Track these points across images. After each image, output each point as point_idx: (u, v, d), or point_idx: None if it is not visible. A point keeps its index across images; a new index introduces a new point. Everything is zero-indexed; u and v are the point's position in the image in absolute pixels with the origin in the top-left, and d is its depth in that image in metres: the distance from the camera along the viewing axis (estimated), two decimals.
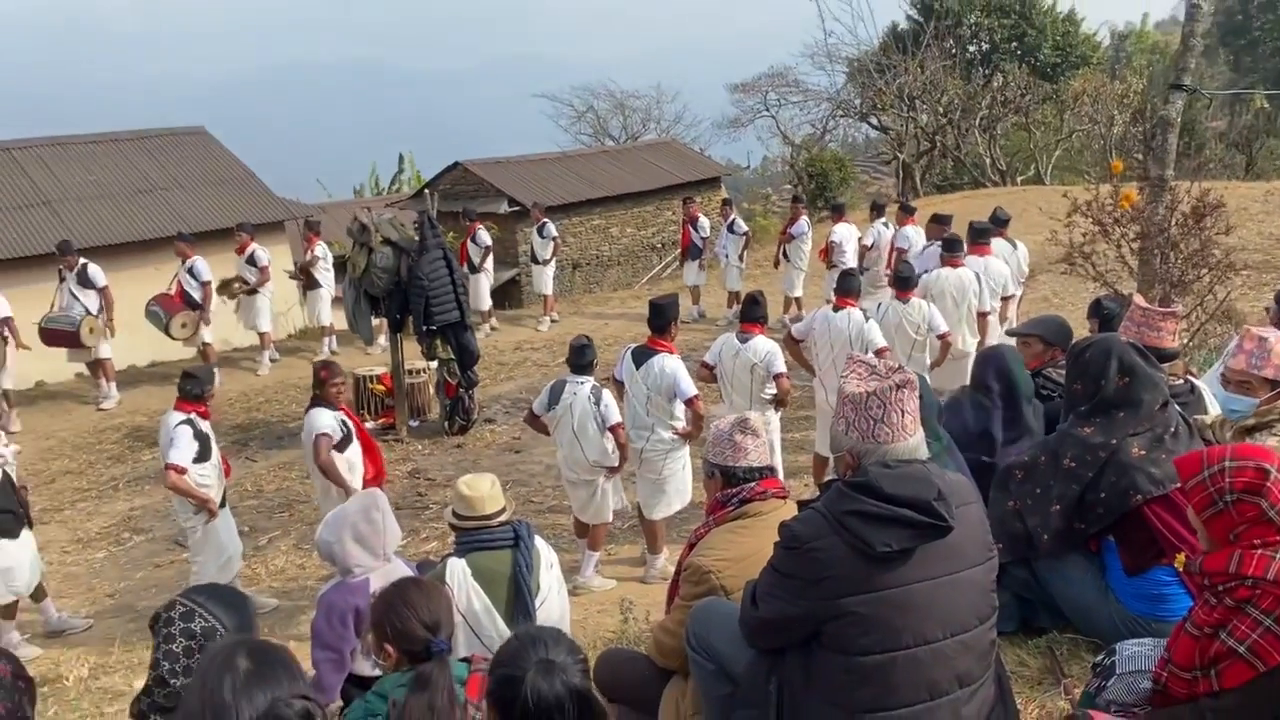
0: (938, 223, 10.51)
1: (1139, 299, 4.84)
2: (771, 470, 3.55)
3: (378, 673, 4.03)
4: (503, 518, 4.25)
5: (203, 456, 6.58)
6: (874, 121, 32.31)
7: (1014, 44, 32.20)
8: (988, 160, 29.51)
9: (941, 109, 29.55)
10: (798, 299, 14.03)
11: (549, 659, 2.25)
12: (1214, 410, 4.34)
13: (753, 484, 3.42)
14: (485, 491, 4.25)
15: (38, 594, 6.92)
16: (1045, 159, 29.68)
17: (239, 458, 10.28)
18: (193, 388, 6.66)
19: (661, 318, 6.87)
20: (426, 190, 16.99)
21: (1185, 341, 7.24)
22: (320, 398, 6.86)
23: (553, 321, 15.53)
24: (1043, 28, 32.15)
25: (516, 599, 4.09)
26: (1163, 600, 3.48)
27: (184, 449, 6.43)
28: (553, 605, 4.25)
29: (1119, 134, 25.55)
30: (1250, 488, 2.51)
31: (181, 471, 6.41)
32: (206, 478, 6.62)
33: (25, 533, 6.68)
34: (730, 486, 3.44)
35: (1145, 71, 31.98)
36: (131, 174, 16.59)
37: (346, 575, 4.12)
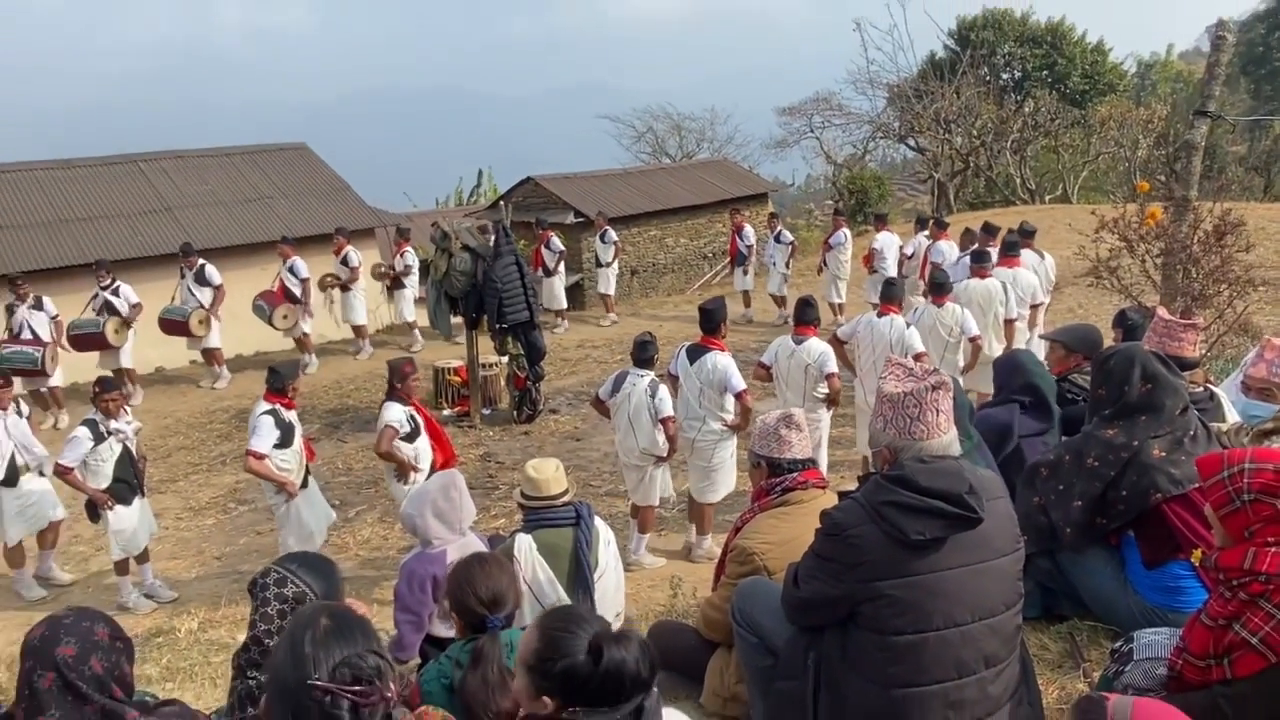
0: (987, 232, 10.36)
1: (1162, 311, 4.72)
2: (813, 462, 3.53)
3: (452, 634, 4.09)
4: (565, 498, 4.29)
5: (284, 443, 6.59)
6: (911, 143, 31.87)
7: (1045, 72, 31.56)
8: (1018, 180, 28.95)
9: (975, 132, 29.06)
10: (840, 304, 13.90)
11: (610, 632, 2.10)
12: (1232, 416, 4.23)
13: (795, 474, 3.41)
14: (550, 475, 4.29)
15: (142, 556, 7.08)
16: (1072, 179, 29.03)
17: (331, 439, 10.46)
18: (276, 381, 6.69)
19: (711, 320, 6.82)
20: (501, 202, 17.12)
21: (1204, 352, 7.03)
22: (395, 392, 6.77)
23: (613, 322, 15.59)
24: (1072, 57, 31.50)
25: (577, 572, 4.12)
26: (1179, 592, 3.39)
27: (265, 437, 6.46)
28: (609, 579, 4.27)
29: (1143, 157, 24.93)
30: (1267, 489, 2.45)
31: (260, 457, 6.43)
32: (287, 462, 6.65)
33: (138, 500, 6.85)
34: (775, 476, 3.44)
35: (1169, 99, 31.14)
36: (242, 184, 16.95)
37: (426, 546, 4.18)
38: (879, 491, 2.57)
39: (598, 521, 4.30)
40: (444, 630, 4.11)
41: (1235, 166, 26.86)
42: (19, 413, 7.06)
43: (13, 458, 6.85)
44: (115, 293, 11.28)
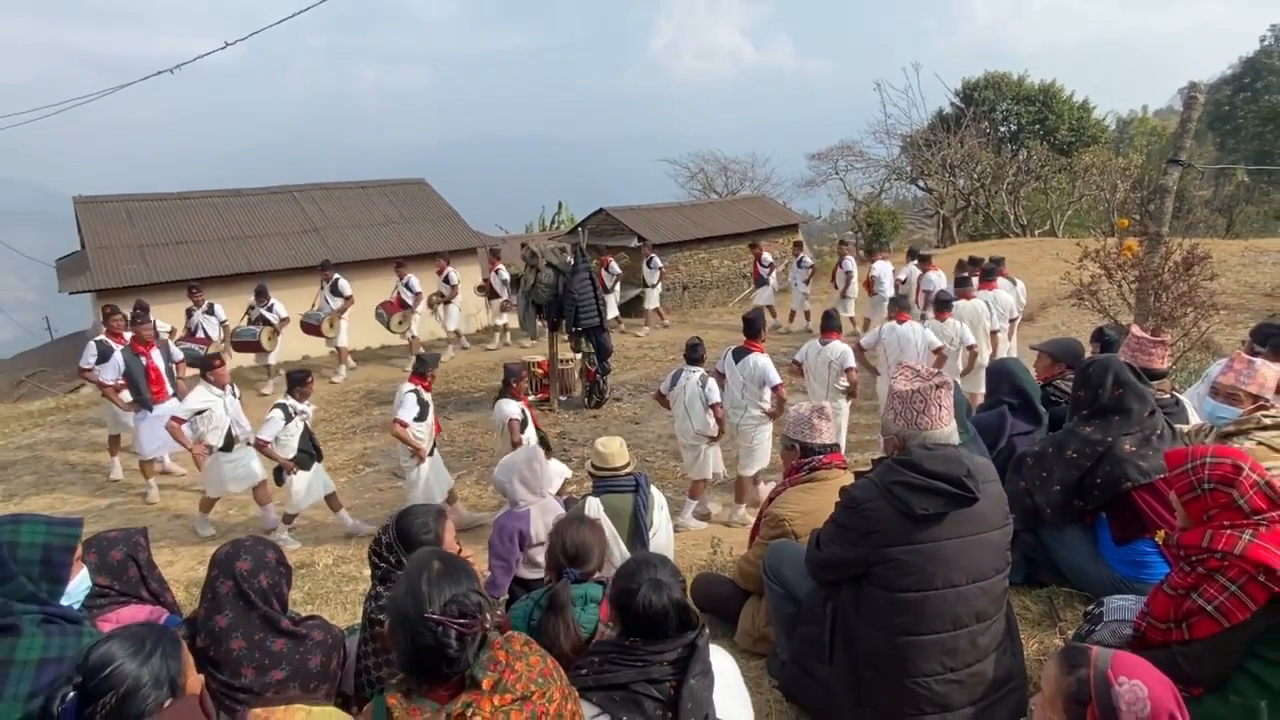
0: (972, 263, 10.25)
1: (1135, 329, 4.56)
2: (837, 446, 3.51)
3: (535, 575, 4.14)
4: (627, 470, 4.31)
5: (421, 417, 6.79)
6: (921, 184, 31.19)
7: (1037, 126, 30.64)
8: (1012, 217, 28.19)
9: (976, 176, 28.41)
10: (850, 318, 13.69)
11: (657, 578, 2.21)
12: (1194, 418, 4.08)
13: (822, 456, 3.39)
14: (615, 450, 4.32)
15: (332, 503, 7.23)
16: (1059, 217, 28.18)
17: (438, 416, 10.61)
18: (420, 367, 6.93)
19: (752, 327, 6.95)
20: (578, 228, 17.24)
21: (1171, 364, 6.78)
22: (510, 391, 6.98)
23: (663, 327, 15.39)
24: (1061, 113, 30.53)
25: (635, 530, 4.14)
26: (1144, 566, 3.30)
27: (408, 409, 6.69)
28: (662, 537, 4.28)
29: (1120, 199, 24.08)
30: (1225, 480, 2.37)
31: (404, 425, 6.66)
32: (421, 433, 6.83)
33: (315, 465, 7.03)
34: (805, 457, 3.42)
35: (1144, 150, 30.11)
36: (374, 211, 17.38)
37: (514, 506, 4.23)
38: (890, 473, 2.55)
39: (653, 490, 4.31)
40: (528, 573, 4.17)
41: (1202, 208, 25.84)
42: (233, 393, 7.21)
43: (229, 429, 7.01)
44: (270, 309, 11.47)
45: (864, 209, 28.74)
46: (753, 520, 4.15)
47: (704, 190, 33.08)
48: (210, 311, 11.06)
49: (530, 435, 7.01)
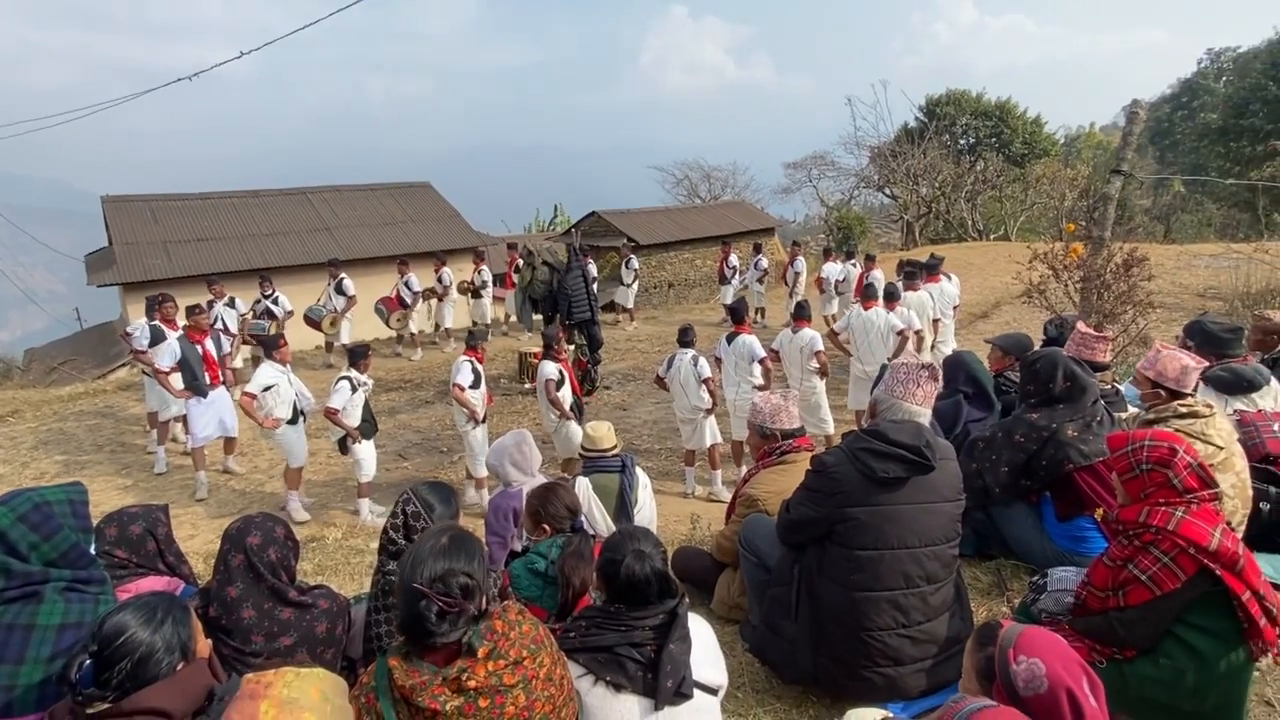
0: (911, 264, 10.33)
1: (1080, 325, 4.58)
2: (802, 431, 3.50)
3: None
4: (615, 451, 4.29)
5: (475, 385, 7.00)
6: (887, 191, 31.28)
7: (993, 139, 30.78)
8: (969, 222, 28.34)
9: (937, 184, 28.51)
10: (831, 315, 13.69)
11: (640, 549, 2.20)
12: (1132, 409, 4.11)
13: (790, 440, 3.40)
14: (604, 433, 4.30)
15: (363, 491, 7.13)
16: (1012, 223, 28.35)
17: (441, 402, 10.54)
18: (472, 340, 7.19)
19: (737, 314, 7.41)
20: (573, 229, 17.15)
21: (1112, 358, 6.82)
22: (551, 353, 7.23)
23: (635, 327, 15.22)
24: (1015, 128, 30.69)
25: (621, 507, 4.12)
26: (1084, 541, 3.33)
27: (464, 376, 6.90)
28: (645, 513, 4.26)
29: (1068, 206, 24.21)
30: (1162, 461, 2.39)
31: (462, 389, 6.86)
32: (476, 399, 7.00)
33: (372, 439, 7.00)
34: (775, 442, 3.42)
35: (1090, 161, 30.32)
36: (381, 211, 17.21)
37: (507, 486, 4.19)
38: (858, 440, 2.63)
39: (638, 470, 4.30)
40: (520, 548, 4.14)
41: (1141, 215, 26.10)
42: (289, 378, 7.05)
43: (294, 402, 6.94)
44: (275, 302, 11.16)
45: (835, 214, 28.82)
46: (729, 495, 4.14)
47: (689, 195, 33.02)
48: (231, 304, 10.85)
49: (566, 395, 7.11)
